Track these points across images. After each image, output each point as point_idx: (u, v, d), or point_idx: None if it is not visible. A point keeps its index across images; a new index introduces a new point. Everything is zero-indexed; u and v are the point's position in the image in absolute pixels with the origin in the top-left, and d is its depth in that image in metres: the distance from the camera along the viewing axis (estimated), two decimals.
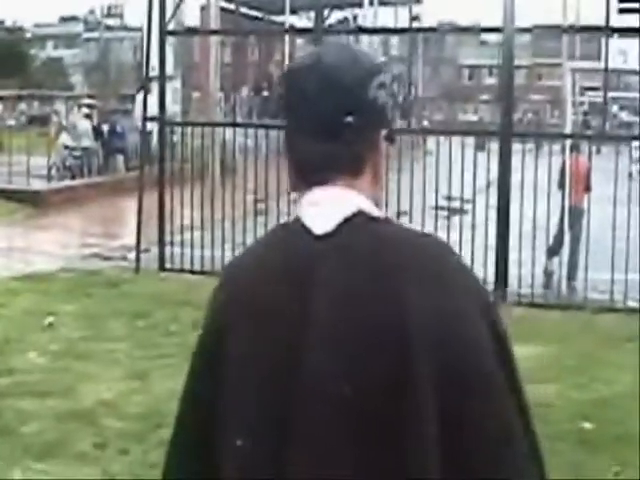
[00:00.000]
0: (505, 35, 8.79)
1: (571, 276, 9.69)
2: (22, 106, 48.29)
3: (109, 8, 67.20)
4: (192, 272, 9.81)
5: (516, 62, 9.87)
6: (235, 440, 1.33)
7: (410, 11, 26.43)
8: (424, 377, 1.25)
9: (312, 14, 24.30)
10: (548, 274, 9.93)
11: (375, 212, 1.38)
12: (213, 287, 1.45)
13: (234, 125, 10.47)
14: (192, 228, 10.12)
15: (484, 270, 8.67)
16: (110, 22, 64.84)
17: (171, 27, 13.04)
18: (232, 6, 31.16)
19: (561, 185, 9.72)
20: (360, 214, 1.35)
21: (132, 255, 10.62)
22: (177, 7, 10.05)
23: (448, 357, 1.27)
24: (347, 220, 1.34)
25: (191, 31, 12.96)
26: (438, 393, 1.25)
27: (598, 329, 7.62)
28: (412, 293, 1.29)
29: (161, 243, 10.13)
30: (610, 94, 39.53)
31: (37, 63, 56.68)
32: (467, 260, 1.53)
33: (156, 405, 5.30)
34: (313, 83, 1.36)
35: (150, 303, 8.38)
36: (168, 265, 10.08)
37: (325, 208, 1.35)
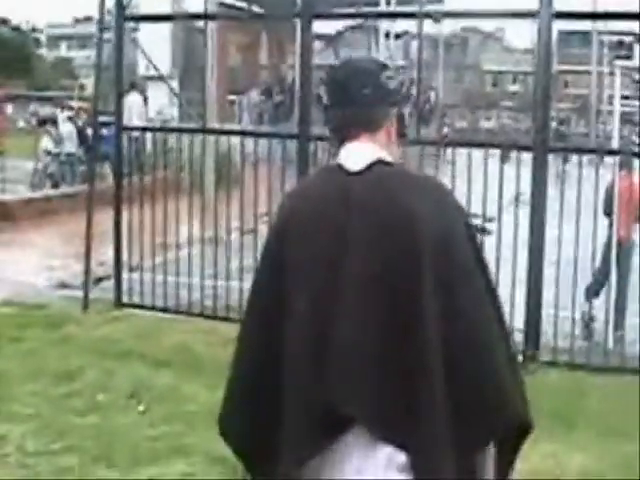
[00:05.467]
0: (541, 22, 6.93)
1: (619, 324, 7.77)
2: (32, 107, 46.87)
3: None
4: (153, 308, 8.08)
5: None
6: (296, 306, 2.00)
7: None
8: (427, 262, 1.95)
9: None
10: (588, 321, 8.07)
11: (389, 160, 2.10)
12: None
13: (203, 131, 8.68)
14: (153, 252, 8.31)
15: (509, 313, 6.86)
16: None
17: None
18: (241, 3, 29.50)
19: (608, 212, 7.82)
20: (380, 161, 2.08)
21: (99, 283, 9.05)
22: None
23: (442, 247, 1.97)
24: (371, 164, 2.06)
25: (153, 17, 11.22)
26: (434, 272, 1.95)
27: None
28: (418, 207, 1.99)
29: (117, 272, 8.36)
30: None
31: (48, 64, 55.26)
32: None
33: None
34: (343, 72, 2.15)
35: (88, 354, 6.61)
36: (126, 299, 8.32)
37: (356, 155, 2.08)
